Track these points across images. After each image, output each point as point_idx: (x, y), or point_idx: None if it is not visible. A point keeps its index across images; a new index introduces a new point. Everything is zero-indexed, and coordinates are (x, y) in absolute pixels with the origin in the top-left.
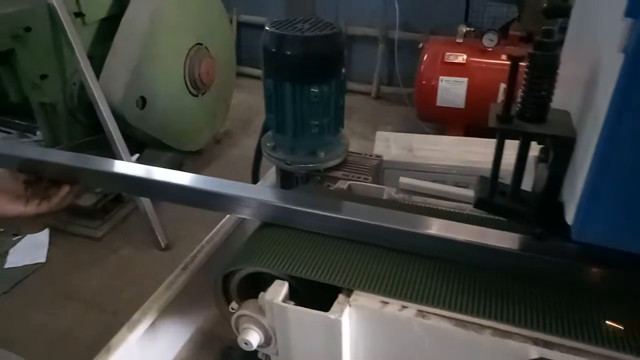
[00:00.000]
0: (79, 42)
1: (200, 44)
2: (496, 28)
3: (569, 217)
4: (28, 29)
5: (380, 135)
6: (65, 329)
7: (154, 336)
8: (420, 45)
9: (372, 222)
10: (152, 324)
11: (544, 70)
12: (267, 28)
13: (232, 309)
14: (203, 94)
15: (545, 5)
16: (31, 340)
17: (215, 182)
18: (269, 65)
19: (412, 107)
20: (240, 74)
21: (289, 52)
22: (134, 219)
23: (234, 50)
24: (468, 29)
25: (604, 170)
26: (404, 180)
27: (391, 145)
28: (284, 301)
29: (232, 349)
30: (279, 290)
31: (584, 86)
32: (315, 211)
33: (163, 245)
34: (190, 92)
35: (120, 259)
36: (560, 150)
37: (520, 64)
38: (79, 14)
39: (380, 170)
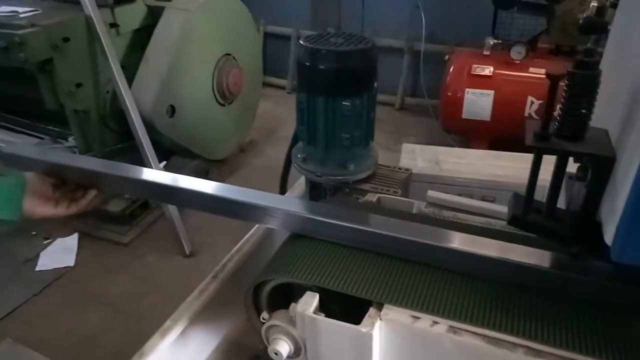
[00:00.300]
0: (113, 52)
1: (229, 55)
2: (524, 40)
3: (608, 237)
4: (66, 39)
5: (406, 147)
6: (92, 333)
7: (184, 343)
8: (446, 57)
9: (404, 237)
10: (183, 331)
11: (583, 89)
12: (301, 42)
13: (263, 319)
14: (230, 103)
15: (580, 21)
16: (59, 342)
17: (246, 192)
18: (303, 78)
19: (436, 118)
20: (265, 84)
21: (322, 66)
22: (160, 226)
23: (260, 60)
24: (495, 41)
25: None
26: (432, 193)
27: (417, 157)
28: (315, 313)
29: (258, 358)
30: (310, 302)
31: (625, 105)
32: (345, 224)
33: (187, 252)
34: (218, 101)
35: (145, 265)
36: (599, 170)
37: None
38: (113, 25)
39: (409, 183)
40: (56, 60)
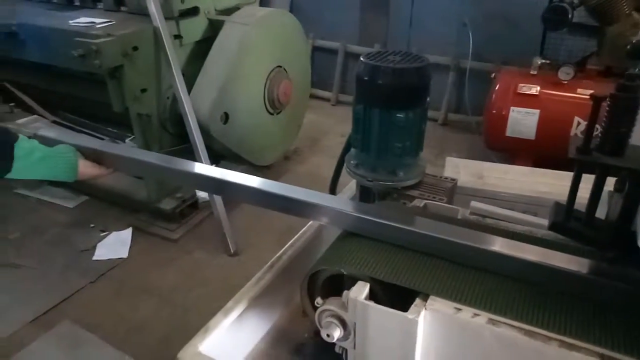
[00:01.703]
0: (176, 61)
1: (280, 67)
2: (573, 62)
3: None
4: (135, 48)
5: (450, 161)
6: (142, 320)
7: (241, 325)
8: (493, 75)
9: (448, 238)
10: (241, 314)
11: (624, 110)
12: (362, 59)
13: (317, 304)
14: (279, 112)
15: (628, 46)
16: (113, 327)
17: (304, 192)
18: (361, 91)
19: (479, 135)
20: (311, 96)
21: (380, 82)
22: (207, 225)
23: (309, 73)
24: (543, 61)
25: None
26: (475, 204)
27: (460, 171)
28: (366, 299)
29: (304, 345)
30: (362, 290)
31: None
32: (394, 224)
33: (232, 251)
34: (267, 110)
35: (192, 261)
36: (635, 183)
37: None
38: (177, 36)
39: (454, 192)
40: (126, 67)
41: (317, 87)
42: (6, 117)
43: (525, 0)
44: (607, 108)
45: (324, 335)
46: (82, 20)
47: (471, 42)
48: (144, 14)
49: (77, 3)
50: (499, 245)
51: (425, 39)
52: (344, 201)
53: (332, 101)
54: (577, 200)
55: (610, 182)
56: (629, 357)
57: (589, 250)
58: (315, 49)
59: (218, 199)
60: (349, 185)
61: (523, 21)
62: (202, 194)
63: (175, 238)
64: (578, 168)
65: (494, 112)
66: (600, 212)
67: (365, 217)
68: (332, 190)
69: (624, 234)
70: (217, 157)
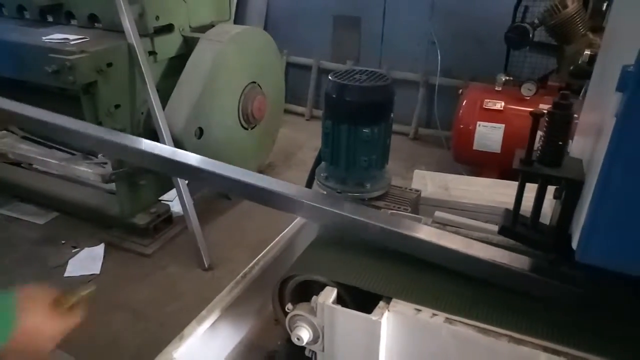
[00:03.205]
0: (150, 77)
1: (254, 83)
2: (535, 78)
3: (574, 243)
4: (110, 65)
5: (418, 173)
6: (115, 336)
7: (214, 334)
8: (460, 91)
9: (407, 233)
10: (214, 323)
11: (560, 125)
12: (330, 77)
13: (288, 309)
14: (253, 127)
15: (572, 67)
16: (85, 344)
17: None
18: (329, 108)
19: (448, 149)
20: (285, 111)
21: (347, 99)
22: (181, 240)
23: (283, 88)
24: (507, 78)
25: (601, 208)
26: (439, 214)
27: (427, 183)
28: (333, 303)
29: (276, 352)
30: (329, 295)
31: (592, 139)
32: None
33: (206, 266)
34: (242, 125)
35: (166, 276)
36: (570, 190)
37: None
38: (152, 53)
39: (418, 203)
40: (100, 83)
41: (292, 103)
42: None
43: (491, 20)
44: (545, 124)
45: (294, 338)
46: (56, 36)
47: (439, 59)
48: (119, 30)
49: (50, 19)
50: (454, 243)
51: (395, 56)
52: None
53: (306, 116)
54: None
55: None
56: (569, 348)
57: (535, 252)
58: (290, 65)
59: (192, 214)
60: None
61: (488, 39)
62: (176, 209)
63: (149, 253)
64: (522, 178)
65: (462, 126)
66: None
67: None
68: None
69: (563, 237)
70: None
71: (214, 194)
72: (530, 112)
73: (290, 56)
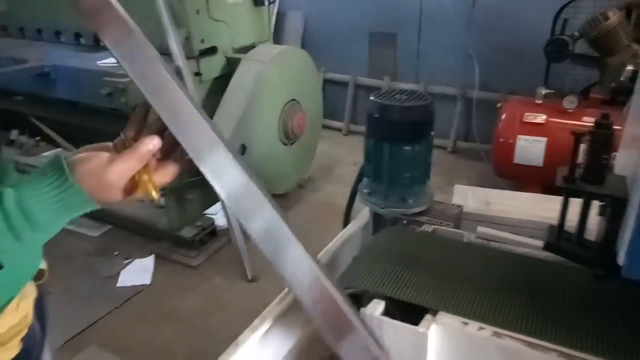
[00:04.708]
0: (196, 97)
1: (294, 100)
2: (577, 91)
3: (620, 260)
4: None
5: (458, 188)
6: (165, 344)
7: (266, 342)
8: (499, 104)
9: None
10: (266, 332)
11: (602, 144)
12: (371, 98)
13: None
14: (293, 143)
15: (612, 84)
16: (137, 351)
17: None
18: (372, 127)
19: (488, 163)
20: (323, 126)
21: (389, 118)
22: (225, 252)
23: (321, 105)
24: (547, 91)
25: None
26: (481, 229)
27: (468, 197)
28: (381, 315)
29: None
30: (377, 307)
31: (636, 155)
32: None
33: (249, 278)
34: (282, 141)
35: (212, 287)
36: (615, 208)
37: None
38: (197, 74)
39: (460, 218)
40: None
41: (329, 118)
42: (32, 151)
43: (529, 32)
44: (587, 143)
45: None
46: (109, 60)
47: (477, 72)
48: (166, 53)
49: (103, 44)
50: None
51: (432, 71)
52: None
53: (344, 131)
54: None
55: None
56: None
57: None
58: (327, 82)
59: (236, 227)
60: (363, 212)
61: (527, 52)
62: (219, 222)
63: (195, 265)
64: (565, 195)
65: (501, 140)
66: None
67: None
68: (347, 217)
69: (609, 253)
70: None
71: None
72: (572, 132)
73: (327, 73)
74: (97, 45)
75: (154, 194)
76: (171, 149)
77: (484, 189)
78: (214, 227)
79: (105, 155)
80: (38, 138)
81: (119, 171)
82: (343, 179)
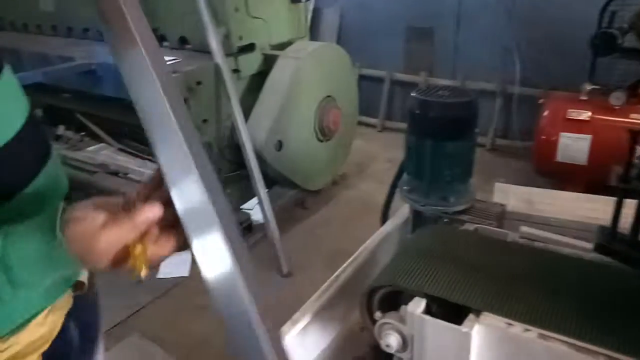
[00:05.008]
0: (234, 94)
1: (330, 96)
2: (624, 86)
3: None
4: (199, 83)
5: (499, 186)
6: (203, 335)
7: (306, 335)
8: (541, 100)
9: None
10: (305, 326)
11: None
12: (413, 94)
13: (376, 318)
14: (328, 140)
15: None
16: (176, 340)
17: None
18: (413, 124)
19: (527, 160)
20: (358, 122)
21: (432, 115)
22: (261, 247)
23: (356, 101)
24: (593, 86)
25: None
26: (525, 229)
27: (510, 197)
28: (423, 313)
29: (362, 359)
30: (419, 305)
31: None
32: None
33: (285, 272)
34: (318, 138)
35: None
36: None
37: None
38: (236, 71)
39: (503, 217)
40: (190, 100)
41: (364, 114)
42: (78, 146)
43: (573, 26)
44: None
45: (383, 345)
46: None
47: (517, 67)
48: (206, 51)
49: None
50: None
51: (470, 66)
52: None
53: (379, 127)
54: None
55: None
56: None
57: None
58: (362, 78)
59: (272, 222)
60: (402, 210)
61: (571, 47)
62: (255, 217)
63: None
64: (620, 195)
65: (543, 137)
66: None
67: None
68: (385, 213)
69: None
70: (271, 182)
71: (291, 204)
72: (629, 130)
73: (362, 69)
74: None
75: (142, 271)
76: (177, 220)
77: (525, 188)
78: (250, 222)
79: (100, 218)
80: (83, 133)
81: (109, 240)
82: (377, 176)
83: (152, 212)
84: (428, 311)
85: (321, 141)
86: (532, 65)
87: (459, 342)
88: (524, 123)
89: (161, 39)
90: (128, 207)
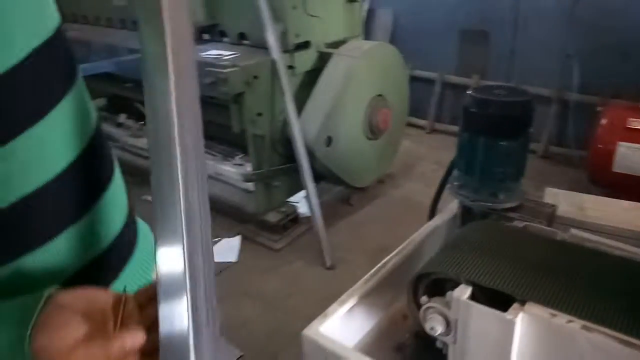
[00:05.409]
0: (289, 89)
1: (381, 95)
2: None
3: None
4: (256, 77)
5: (550, 191)
6: (247, 319)
7: (351, 317)
8: (599, 108)
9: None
10: (351, 308)
11: None
12: (469, 92)
13: (422, 302)
14: (377, 138)
15: None
16: (221, 323)
17: None
18: (468, 121)
19: (582, 169)
20: (407, 123)
21: (488, 113)
22: (306, 239)
23: (407, 102)
24: None
25: None
26: (575, 231)
27: (560, 201)
28: (468, 300)
29: (404, 345)
30: (464, 291)
31: None
32: None
33: (328, 265)
34: (367, 136)
35: (292, 270)
36: None
37: None
38: (291, 67)
39: (554, 218)
40: (246, 94)
41: (414, 115)
42: (137, 134)
43: (637, 31)
44: None
45: (427, 329)
46: (211, 52)
47: (576, 73)
48: (263, 47)
49: (206, 38)
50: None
51: (526, 70)
52: None
53: (428, 129)
54: None
55: None
56: None
57: None
58: (413, 79)
59: (318, 215)
60: (450, 206)
61: (634, 53)
62: (302, 210)
63: (278, 248)
64: None
65: (600, 146)
66: None
67: None
68: (433, 208)
69: None
70: (318, 178)
71: (337, 200)
72: None
73: (414, 70)
74: (200, 38)
75: None
76: (155, 350)
77: (577, 194)
78: (297, 214)
79: (78, 332)
80: (142, 122)
81: None
82: (424, 177)
83: (133, 340)
84: (473, 299)
85: (370, 139)
86: (591, 71)
87: (502, 329)
88: (580, 131)
89: (221, 34)
90: (117, 311)
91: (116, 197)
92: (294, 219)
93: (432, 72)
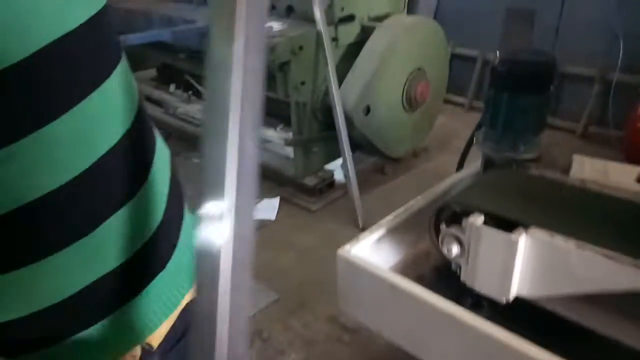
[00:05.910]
0: (332, 60)
1: (421, 69)
2: None
3: None
4: (301, 48)
5: (577, 158)
6: (284, 268)
7: (379, 246)
8: None
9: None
10: (380, 238)
11: None
12: (497, 53)
13: (441, 228)
14: (414, 110)
15: None
16: (259, 271)
17: None
18: (495, 79)
19: (619, 150)
20: (445, 100)
21: (512, 71)
22: (341, 202)
23: (446, 77)
24: None
25: None
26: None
27: (585, 167)
28: (481, 224)
29: (425, 276)
30: (478, 218)
31: None
32: None
33: (360, 226)
34: (404, 107)
35: (326, 229)
36: None
37: None
38: (334, 39)
39: (569, 170)
40: (292, 63)
41: (453, 93)
42: (185, 102)
43: None
44: None
45: (444, 250)
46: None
47: (622, 53)
48: (310, 20)
49: None
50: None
51: (571, 50)
52: None
53: (466, 107)
54: None
55: None
56: None
57: None
58: (454, 56)
59: (353, 181)
60: (476, 162)
61: None
62: (337, 177)
63: (314, 209)
64: None
65: (638, 125)
66: None
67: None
68: (461, 161)
69: None
70: (355, 146)
71: (371, 169)
72: None
73: (455, 47)
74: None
75: None
76: None
77: (603, 161)
78: (333, 179)
79: None
80: (190, 92)
81: None
82: (458, 152)
83: None
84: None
85: (407, 111)
86: (637, 52)
87: (507, 249)
88: (620, 112)
89: (270, 7)
90: None
91: (160, 172)
92: (330, 184)
93: (473, 50)
